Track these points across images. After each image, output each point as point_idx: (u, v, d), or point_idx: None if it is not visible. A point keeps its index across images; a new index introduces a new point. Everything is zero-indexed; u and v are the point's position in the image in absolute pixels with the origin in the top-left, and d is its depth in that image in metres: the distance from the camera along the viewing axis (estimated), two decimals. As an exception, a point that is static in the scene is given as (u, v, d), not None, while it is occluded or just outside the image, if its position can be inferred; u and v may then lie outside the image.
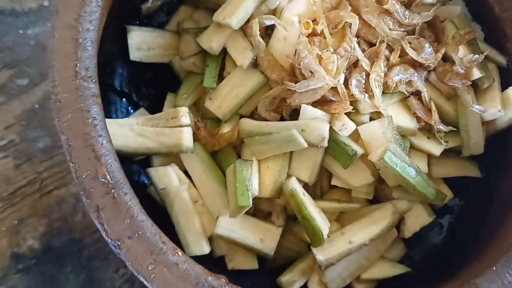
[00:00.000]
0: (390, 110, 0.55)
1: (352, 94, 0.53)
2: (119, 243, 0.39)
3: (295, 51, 0.53)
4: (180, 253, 0.41)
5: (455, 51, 0.57)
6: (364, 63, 0.53)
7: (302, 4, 0.55)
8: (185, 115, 0.54)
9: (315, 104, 0.52)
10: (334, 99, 0.52)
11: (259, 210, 0.57)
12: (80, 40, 0.44)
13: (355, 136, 0.53)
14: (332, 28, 0.54)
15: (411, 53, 0.54)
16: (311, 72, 0.51)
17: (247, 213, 0.54)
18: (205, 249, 0.53)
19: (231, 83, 0.57)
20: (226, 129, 0.57)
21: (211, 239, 0.55)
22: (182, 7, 0.65)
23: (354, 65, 0.54)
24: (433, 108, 0.55)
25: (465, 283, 0.45)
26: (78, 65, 0.43)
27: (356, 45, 0.53)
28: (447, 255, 0.61)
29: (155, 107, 0.61)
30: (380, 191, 0.59)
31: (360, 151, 0.52)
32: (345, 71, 0.53)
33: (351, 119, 0.52)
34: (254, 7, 0.55)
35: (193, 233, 0.53)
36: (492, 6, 0.61)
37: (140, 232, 0.40)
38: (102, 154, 0.41)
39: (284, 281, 0.55)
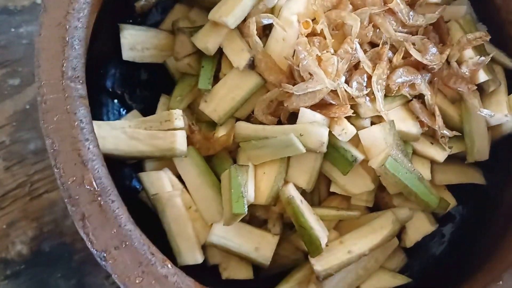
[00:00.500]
0: (392, 114, 0.53)
1: (352, 97, 0.51)
2: (105, 254, 0.37)
3: (294, 52, 0.51)
4: (169, 265, 0.39)
5: (461, 54, 0.55)
6: (366, 65, 0.51)
7: (301, 3, 0.53)
8: (179, 118, 0.52)
9: (314, 107, 0.51)
10: (333, 103, 0.51)
11: (254, 218, 0.55)
12: (68, 38, 0.42)
13: (355, 141, 0.52)
14: (333, 29, 0.52)
15: (416, 55, 0.52)
16: (310, 74, 0.50)
17: (242, 220, 0.52)
18: (198, 258, 0.52)
19: (227, 85, 0.55)
20: (221, 132, 0.55)
21: (204, 247, 0.53)
22: (177, 5, 0.63)
23: (355, 66, 0.52)
24: (437, 112, 0.53)
25: (469, 296, 0.43)
26: (65, 64, 0.41)
27: (358, 46, 0.51)
28: (449, 266, 0.59)
29: (148, 109, 0.60)
30: (381, 198, 0.57)
31: (360, 157, 0.51)
32: (345, 73, 0.51)
33: (351, 124, 0.51)
34: (251, 5, 0.53)
35: (185, 241, 0.52)
36: (498, 7, 0.59)
37: (127, 242, 0.38)
38: (88, 159, 0.40)
39: (280, 291, 0.53)
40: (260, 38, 0.53)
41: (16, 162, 0.67)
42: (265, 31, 0.55)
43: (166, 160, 0.55)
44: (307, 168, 0.52)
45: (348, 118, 0.51)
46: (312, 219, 0.51)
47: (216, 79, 0.57)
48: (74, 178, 0.39)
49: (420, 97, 0.55)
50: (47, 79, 0.41)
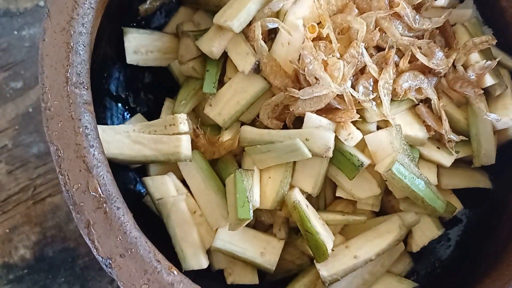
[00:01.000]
0: (399, 119, 0.52)
1: (358, 102, 0.50)
2: (110, 262, 0.37)
3: (299, 56, 0.50)
4: (175, 272, 0.38)
5: (467, 57, 0.54)
6: (372, 69, 0.51)
7: (307, 7, 0.52)
8: (183, 122, 0.52)
9: (319, 112, 0.50)
10: (339, 107, 0.50)
11: (260, 222, 0.55)
12: (72, 44, 0.42)
13: (362, 145, 0.51)
14: (339, 33, 0.52)
15: (422, 59, 0.52)
16: (316, 78, 0.49)
17: (247, 225, 0.52)
18: (203, 263, 0.51)
19: (232, 89, 0.55)
20: (226, 137, 0.55)
21: (209, 252, 0.53)
22: (181, 8, 0.63)
23: (361, 71, 0.52)
24: (444, 116, 0.53)
25: (478, 303, 0.43)
26: (69, 70, 0.41)
27: (364, 51, 0.50)
28: (455, 270, 0.59)
29: (152, 113, 0.59)
30: (387, 202, 0.56)
31: (366, 161, 0.50)
32: (351, 77, 0.50)
33: (357, 128, 0.50)
34: (256, 9, 0.53)
35: (190, 245, 0.51)
36: (504, 10, 0.59)
37: (133, 250, 0.38)
38: (93, 166, 0.39)
39: (286, 297, 0.53)
40: (265, 42, 0.52)
41: (18, 166, 0.67)
42: (270, 35, 0.54)
43: (170, 165, 0.55)
44: (313, 173, 0.51)
45: (354, 122, 0.50)
46: (318, 224, 0.50)
47: (220, 83, 0.56)
48: (79, 185, 0.39)
49: (427, 101, 0.54)
50: (51, 85, 0.41)
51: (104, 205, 0.38)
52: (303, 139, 0.49)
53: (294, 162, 0.52)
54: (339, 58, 0.50)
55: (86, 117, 0.40)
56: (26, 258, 0.63)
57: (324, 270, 0.50)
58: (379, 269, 0.54)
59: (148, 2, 0.61)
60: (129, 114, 0.61)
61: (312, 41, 0.50)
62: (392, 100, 0.52)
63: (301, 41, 0.51)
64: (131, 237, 0.38)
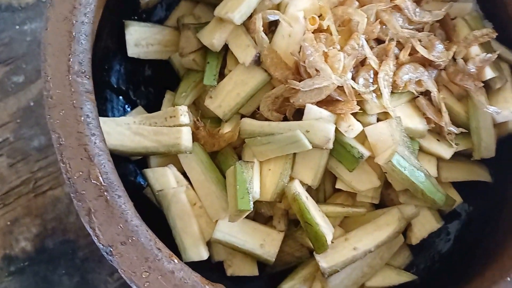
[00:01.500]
0: (399, 111, 0.52)
1: (359, 94, 0.50)
2: (111, 249, 0.37)
3: (300, 48, 0.51)
4: (176, 260, 0.38)
5: (467, 51, 0.54)
6: (373, 61, 0.51)
7: (307, -1, 0.52)
8: (184, 114, 0.52)
9: (320, 104, 0.50)
10: (340, 99, 0.50)
11: (259, 214, 0.55)
12: (74, 33, 0.42)
13: (362, 137, 0.51)
14: (339, 26, 0.52)
15: (422, 51, 0.52)
16: (316, 70, 0.49)
17: (247, 217, 0.52)
18: (203, 254, 0.51)
19: (233, 81, 0.55)
20: (226, 129, 0.55)
21: (209, 244, 0.53)
22: (182, 2, 0.63)
23: (362, 63, 0.52)
24: (444, 109, 0.53)
25: (476, 293, 0.43)
26: (71, 59, 0.41)
27: (365, 43, 0.50)
28: (454, 264, 0.59)
29: (153, 106, 0.59)
30: (386, 196, 0.56)
31: (366, 153, 0.50)
32: (352, 69, 0.50)
33: (357, 120, 0.50)
34: (257, 1, 0.53)
35: (190, 237, 0.51)
36: (505, 4, 0.59)
37: (134, 238, 0.38)
38: (95, 154, 0.39)
39: (285, 288, 0.53)
40: (266, 34, 0.53)
41: (20, 159, 0.67)
42: (271, 27, 0.54)
43: (171, 157, 0.55)
44: (313, 165, 0.51)
45: (354, 114, 0.50)
46: (318, 216, 0.51)
47: (221, 75, 0.56)
48: (81, 173, 0.39)
49: (427, 93, 0.55)
50: (53, 74, 0.41)
51: (105, 193, 0.39)
52: (304, 130, 0.49)
53: (294, 154, 0.52)
54: (339, 50, 0.50)
55: (87, 106, 0.41)
56: (27, 250, 0.64)
57: (324, 261, 0.50)
58: (378, 261, 0.55)
59: (149, -5, 0.61)
60: (130, 107, 0.61)
61: (312, 33, 0.51)
62: (392, 92, 0.52)
63: (302, 33, 0.51)
64: (132, 225, 0.38)
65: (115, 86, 0.60)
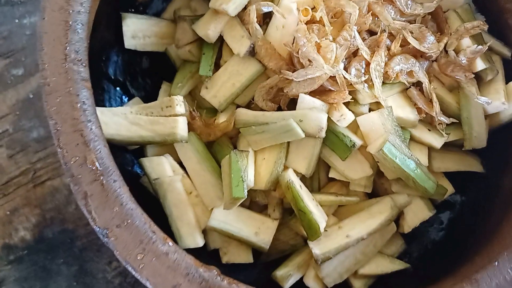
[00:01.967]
0: (390, 101, 0.53)
1: (351, 84, 0.51)
2: (107, 232, 0.38)
3: (293, 39, 0.51)
4: (170, 242, 0.39)
5: (458, 42, 0.55)
6: (364, 52, 0.51)
7: (301, -9, 0.53)
8: (180, 104, 0.52)
9: (313, 93, 0.51)
10: (332, 89, 0.51)
11: (254, 203, 0.56)
12: (71, 22, 0.43)
13: (354, 127, 0.52)
14: (332, 17, 0.53)
15: (413, 43, 0.53)
16: (309, 60, 0.50)
17: (242, 205, 0.53)
18: (199, 241, 0.52)
19: (228, 72, 0.56)
20: (222, 119, 0.56)
21: (205, 232, 0.54)
22: (179, -5, 0.64)
23: (354, 54, 0.53)
24: (435, 99, 0.54)
25: (465, 278, 0.44)
26: (68, 48, 0.42)
27: (357, 34, 0.51)
28: (447, 252, 0.60)
29: (149, 97, 0.60)
30: (379, 184, 0.57)
31: (358, 142, 0.51)
32: (344, 60, 0.51)
33: (350, 110, 0.51)
34: (251, -7, 0.54)
35: (186, 225, 0.52)
36: (496, -4, 0.59)
37: (129, 221, 0.39)
38: (91, 140, 0.40)
39: (279, 275, 0.54)
40: (260, 26, 0.53)
41: (19, 150, 0.68)
42: (265, 18, 0.55)
43: (167, 146, 0.56)
44: (307, 154, 0.52)
45: (346, 104, 0.51)
46: (311, 204, 0.51)
47: (216, 66, 0.57)
48: (77, 158, 0.40)
49: (418, 84, 0.55)
50: (50, 62, 0.42)
51: (101, 177, 0.39)
52: (297, 120, 0.50)
53: (288, 144, 0.53)
54: (332, 41, 0.51)
55: (83, 93, 0.41)
56: (26, 239, 0.65)
57: (317, 248, 0.51)
58: (371, 249, 0.55)
59: (146, -12, 0.62)
60: (127, 98, 0.62)
61: (305, 24, 0.51)
62: (384, 83, 0.53)
63: (295, 24, 0.52)
64: (127, 208, 0.39)
65: (113, 77, 0.61)
